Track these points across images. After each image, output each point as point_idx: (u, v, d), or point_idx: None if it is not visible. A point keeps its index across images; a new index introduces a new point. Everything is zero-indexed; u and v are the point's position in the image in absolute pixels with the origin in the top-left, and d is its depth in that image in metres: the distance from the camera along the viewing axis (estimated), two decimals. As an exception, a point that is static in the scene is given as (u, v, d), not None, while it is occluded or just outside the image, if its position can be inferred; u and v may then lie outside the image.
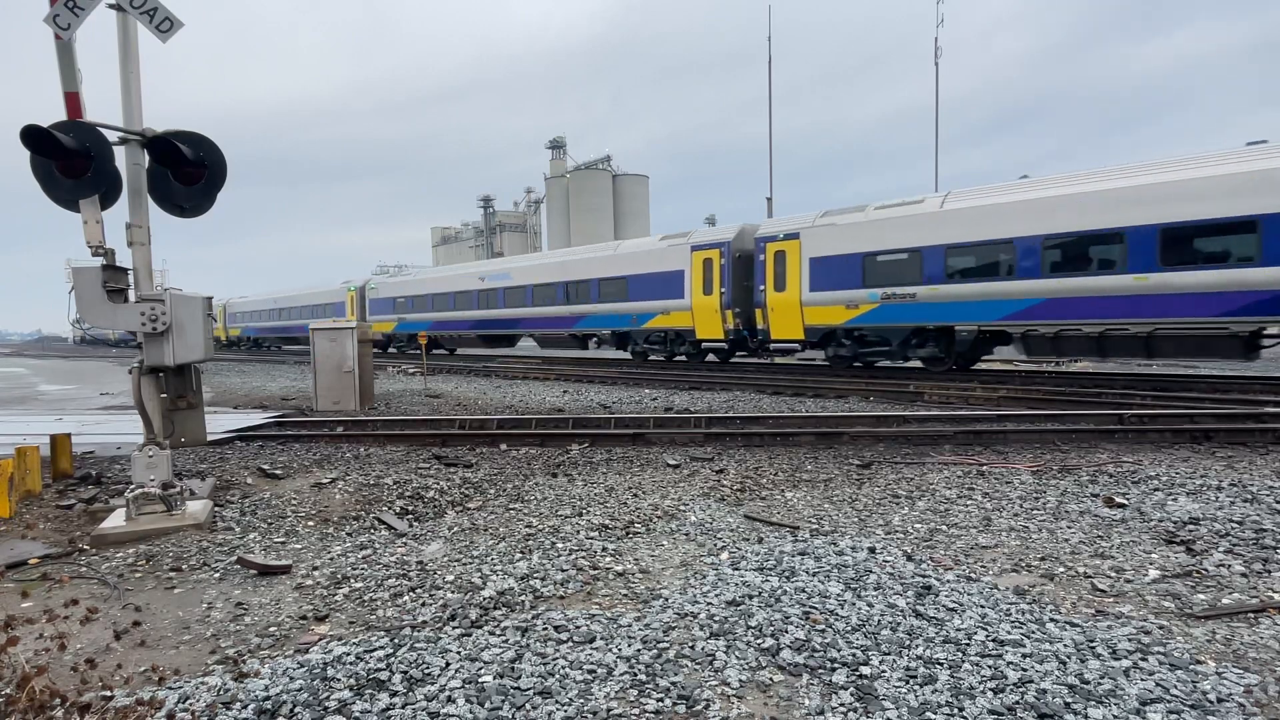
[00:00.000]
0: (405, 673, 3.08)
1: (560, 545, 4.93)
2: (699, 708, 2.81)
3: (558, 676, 3.04)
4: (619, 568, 4.49)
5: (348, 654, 3.28)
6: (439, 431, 9.64)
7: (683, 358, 21.67)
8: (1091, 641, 3.28)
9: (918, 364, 17.18)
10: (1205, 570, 4.24)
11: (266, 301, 48.11)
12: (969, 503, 5.89)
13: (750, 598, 3.84)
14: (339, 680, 3.03)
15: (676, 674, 3.06)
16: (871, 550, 4.62)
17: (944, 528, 5.22)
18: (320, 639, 3.55)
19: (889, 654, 3.19)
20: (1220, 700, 2.79)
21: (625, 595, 4.05)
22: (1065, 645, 3.24)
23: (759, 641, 3.35)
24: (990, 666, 3.05)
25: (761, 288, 18.65)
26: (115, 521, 5.46)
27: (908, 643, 3.29)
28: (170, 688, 3.02)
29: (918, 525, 5.30)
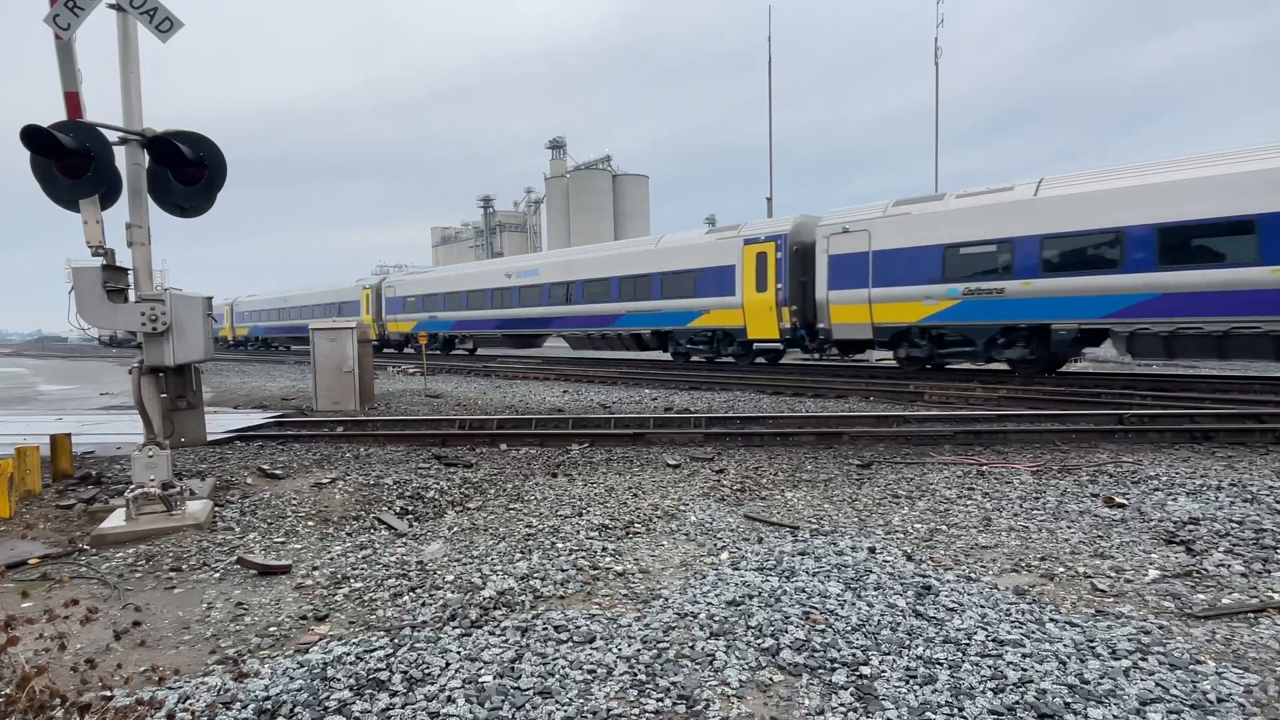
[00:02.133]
0: (405, 673, 3.08)
1: (560, 545, 4.92)
2: (699, 708, 2.81)
3: (558, 676, 3.04)
4: (619, 568, 4.49)
5: (348, 654, 3.28)
6: (439, 431, 9.64)
7: None
8: (1091, 641, 3.28)
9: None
10: (1205, 570, 4.23)
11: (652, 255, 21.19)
12: (969, 503, 5.89)
13: (750, 598, 3.84)
14: (339, 680, 3.03)
15: (676, 674, 3.06)
16: (871, 550, 4.62)
17: (944, 528, 5.22)
18: (320, 639, 3.55)
19: (889, 654, 3.19)
20: (1220, 700, 2.79)
21: (625, 595, 4.05)
22: (1065, 645, 3.24)
23: (759, 641, 3.34)
24: (990, 666, 3.05)
25: None
26: (115, 521, 5.46)
27: (908, 643, 3.29)
28: (170, 688, 3.02)
29: (918, 525, 5.29)
